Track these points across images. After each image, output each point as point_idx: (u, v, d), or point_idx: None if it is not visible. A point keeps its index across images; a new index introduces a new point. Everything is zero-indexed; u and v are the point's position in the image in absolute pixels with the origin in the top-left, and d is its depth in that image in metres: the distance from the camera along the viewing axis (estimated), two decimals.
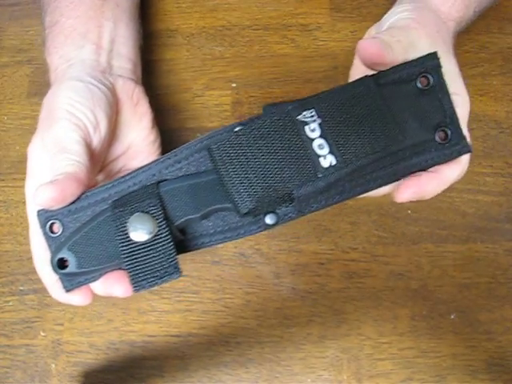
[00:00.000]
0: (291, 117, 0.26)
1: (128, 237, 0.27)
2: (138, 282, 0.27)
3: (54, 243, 0.29)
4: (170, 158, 0.29)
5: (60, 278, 0.29)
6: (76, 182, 0.30)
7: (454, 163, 0.30)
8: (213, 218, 0.29)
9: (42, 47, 0.50)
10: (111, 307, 0.40)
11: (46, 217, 0.29)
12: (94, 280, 0.29)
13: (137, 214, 0.27)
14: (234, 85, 0.46)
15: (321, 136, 0.26)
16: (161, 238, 0.27)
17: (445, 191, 0.42)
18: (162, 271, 0.27)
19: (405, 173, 0.29)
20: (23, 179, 0.44)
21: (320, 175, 0.26)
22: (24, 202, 0.43)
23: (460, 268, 0.40)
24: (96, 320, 0.39)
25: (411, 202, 0.41)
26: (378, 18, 0.49)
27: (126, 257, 0.27)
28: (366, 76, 0.28)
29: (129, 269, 0.27)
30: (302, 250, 0.41)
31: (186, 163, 0.28)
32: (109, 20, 0.38)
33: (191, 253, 0.41)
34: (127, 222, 0.27)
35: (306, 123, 0.26)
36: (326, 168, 0.26)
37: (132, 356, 0.39)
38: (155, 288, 0.40)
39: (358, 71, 0.34)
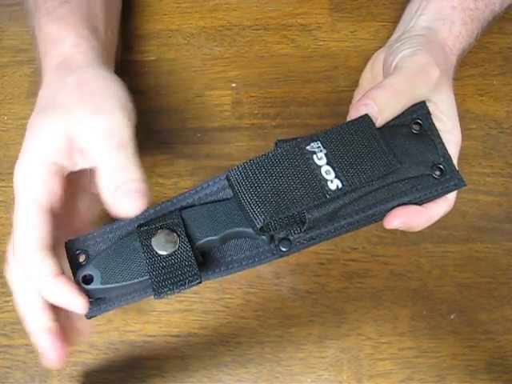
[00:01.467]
0: (301, 147, 0.29)
1: (153, 250, 0.29)
2: (160, 289, 0.28)
3: (79, 268, 0.30)
4: (190, 191, 0.31)
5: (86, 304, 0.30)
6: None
7: (442, 200, 0.32)
8: (231, 247, 0.31)
9: None
10: None
11: (76, 248, 0.31)
12: (114, 307, 0.31)
13: (161, 230, 0.29)
14: (233, 85, 0.46)
15: (327, 163, 0.29)
16: (183, 249, 0.29)
17: None
18: (183, 279, 0.29)
19: (403, 203, 0.32)
20: None
21: (328, 197, 0.28)
22: None
23: (460, 268, 0.40)
24: (96, 320, 0.39)
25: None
26: (377, 17, 0.49)
27: (151, 268, 0.28)
28: (366, 114, 0.31)
29: (152, 278, 0.28)
30: (302, 250, 0.41)
31: (204, 194, 0.31)
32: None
33: None
34: (152, 237, 0.29)
35: (314, 152, 0.29)
36: (334, 190, 0.29)
37: (132, 356, 0.38)
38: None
39: (361, 93, 0.35)
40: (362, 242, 0.41)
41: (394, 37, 0.42)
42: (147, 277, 0.28)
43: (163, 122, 0.46)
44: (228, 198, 0.31)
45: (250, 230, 0.30)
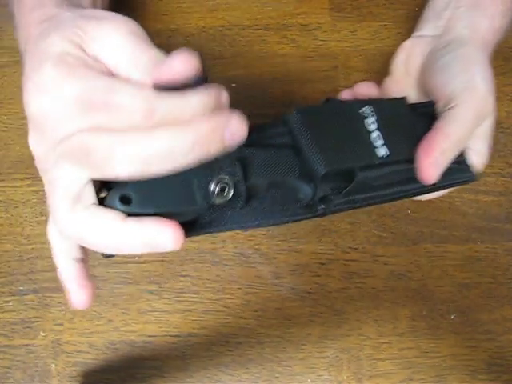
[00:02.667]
0: (354, 108, 0.29)
1: (208, 190, 0.26)
2: (199, 229, 0.27)
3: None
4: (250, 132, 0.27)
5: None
6: None
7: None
8: (268, 198, 0.29)
9: None
10: (111, 307, 0.40)
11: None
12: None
13: (218, 172, 0.26)
14: (233, 85, 0.46)
15: (377, 129, 0.29)
16: (237, 194, 0.27)
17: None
18: (226, 220, 0.28)
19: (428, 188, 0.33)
20: (23, 179, 0.44)
21: (376, 162, 0.29)
22: (24, 203, 0.43)
23: (460, 268, 0.40)
24: (96, 320, 0.39)
25: (411, 201, 0.42)
26: (377, 17, 0.49)
27: (199, 206, 0.26)
28: (405, 97, 0.32)
29: (200, 217, 0.27)
30: (302, 250, 0.41)
31: (263, 135, 0.29)
32: None
33: (191, 253, 0.41)
34: (209, 178, 0.26)
35: (366, 117, 0.29)
36: (381, 157, 0.29)
37: (132, 356, 0.38)
38: (155, 288, 0.40)
39: (394, 84, 0.36)
40: (362, 242, 0.41)
41: (427, 28, 0.39)
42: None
43: None
44: (282, 145, 0.29)
45: (298, 181, 0.28)
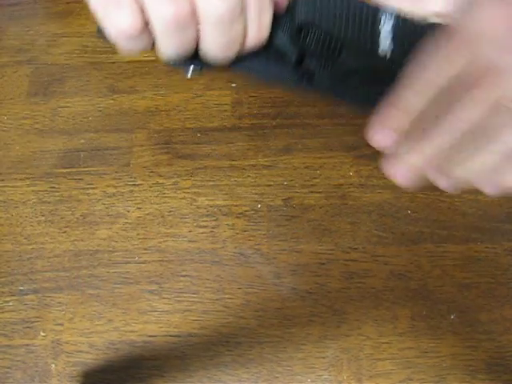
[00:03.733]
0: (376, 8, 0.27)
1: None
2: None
3: None
4: None
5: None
6: None
7: None
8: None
9: (42, 47, 0.50)
10: (111, 307, 0.40)
11: None
12: None
13: None
14: (233, 85, 0.46)
15: (391, 29, 0.27)
16: None
17: (445, 191, 0.42)
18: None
19: None
20: (23, 179, 0.44)
21: (380, 53, 0.27)
22: (23, 202, 0.43)
23: (460, 268, 0.40)
24: (96, 320, 0.39)
25: (412, 201, 0.42)
26: None
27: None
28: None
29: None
30: (302, 250, 0.41)
31: None
32: None
33: (191, 253, 0.41)
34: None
35: (384, 16, 0.27)
36: (381, 50, 0.27)
37: (132, 356, 0.38)
38: (155, 288, 0.40)
39: None
40: (362, 242, 0.41)
41: None
42: None
43: (163, 121, 0.46)
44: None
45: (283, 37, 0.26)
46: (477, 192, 0.44)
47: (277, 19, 0.26)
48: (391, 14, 0.28)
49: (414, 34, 0.28)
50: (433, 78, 0.24)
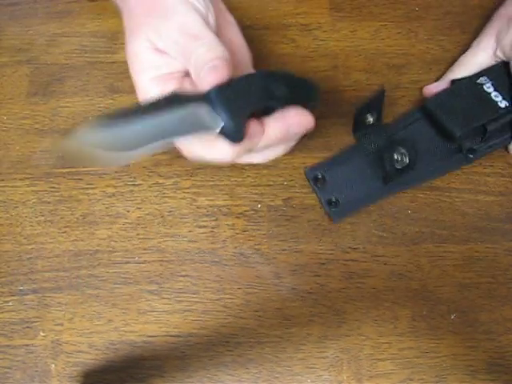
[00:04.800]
0: (473, 80, 0.42)
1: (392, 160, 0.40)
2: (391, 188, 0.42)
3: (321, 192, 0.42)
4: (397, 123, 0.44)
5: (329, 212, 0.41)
6: (229, 66, 0.31)
7: None
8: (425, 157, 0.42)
9: (41, 47, 0.50)
10: (111, 307, 0.40)
11: (313, 174, 0.42)
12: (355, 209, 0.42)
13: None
14: None
15: (495, 90, 0.41)
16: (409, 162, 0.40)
17: (445, 191, 0.42)
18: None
19: None
20: (23, 179, 0.44)
21: (501, 111, 0.40)
22: (23, 202, 0.43)
23: (460, 268, 0.40)
24: (96, 320, 0.39)
25: (412, 201, 0.42)
26: (377, 17, 0.49)
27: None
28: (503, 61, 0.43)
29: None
30: (302, 250, 0.41)
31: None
32: None
33: (191, 253, 0.41)
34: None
35: (483, 84, 0.42)
36: (503, 107, 0.41)
37: (132, 356, 0.38)
38: (155, 288, 0.40)
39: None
40: (362, 242, 0.41)
41: None
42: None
43: None
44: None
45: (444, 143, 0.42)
46: (477, 192, 0.44)
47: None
48: (486, 78, 0.42)
49: (505, 75, 0.41)
50: None
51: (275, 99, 0.34)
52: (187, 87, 0.34)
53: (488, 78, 0.42)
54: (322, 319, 0.39)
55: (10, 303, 0.40)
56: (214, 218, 0.42)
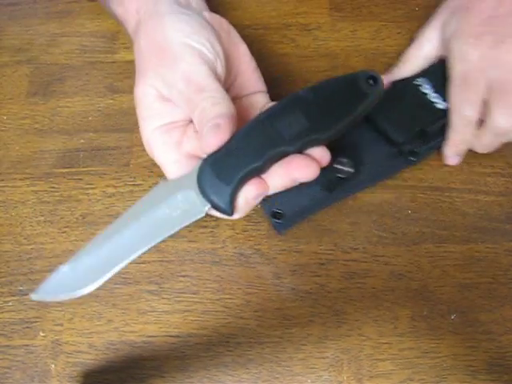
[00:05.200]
0: (411, 82, 0.42)
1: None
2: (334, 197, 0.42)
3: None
4: None
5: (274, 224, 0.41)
6: (233, 122, 0.30)
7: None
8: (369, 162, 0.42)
9: (41, 47, 0.50)
10: (111, 307, 0.40)
11: (271, 210, 0.41)
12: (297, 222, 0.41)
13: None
14: None
15: (434, 91, 0.41)
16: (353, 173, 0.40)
17: (445, 191, 0.42)
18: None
19: None
20: (22, 179, 0.44)
21: (440, 113, 0.40)
22: (23, 202, 0.43)
23: (460, 268, 0.40)
24: (95, 320, 0.39)
25: (412, 201, 0.42)
26: (378, 17, 0.49)
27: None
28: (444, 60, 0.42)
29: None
30: (302, 250, 0.41)
31: None
32: None
33: (191, 253, 0.41)
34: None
35: (421, 85, 0.41)
36: (442, 109, 0.40)
37: (132, 356, 0.38)
38: (155, 288, 0.40)
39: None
40: (362, 242, 0.41)
41: None
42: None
43: None
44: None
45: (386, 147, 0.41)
46: (477, 192, 0.44)
47: None
48: (424, 79, 0.41)
49: (444, 75, 0.40)
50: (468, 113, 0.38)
51: (288, 140, 0.31)
52: (191, 136, 0.34)
53: (427, 78, 0.41)
54: (322, 319, 0.39)
55: (10, 303, 0.40)
56: (213, 218, 0.42)
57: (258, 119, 0.32)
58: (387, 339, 0.38)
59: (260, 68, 0.45)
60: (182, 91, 0.31)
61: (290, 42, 0.48)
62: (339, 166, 0.38)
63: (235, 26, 0.50)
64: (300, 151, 0.32)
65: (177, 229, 0.31)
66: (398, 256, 0.40)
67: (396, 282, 0.40)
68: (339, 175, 0.38)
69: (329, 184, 0.40)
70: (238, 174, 0.31)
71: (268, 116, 0.32)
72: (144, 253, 0.31)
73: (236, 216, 0.33)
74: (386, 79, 0.42)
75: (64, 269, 0.31)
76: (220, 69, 0.33)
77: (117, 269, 0.31)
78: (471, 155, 0.43)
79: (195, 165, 0.32)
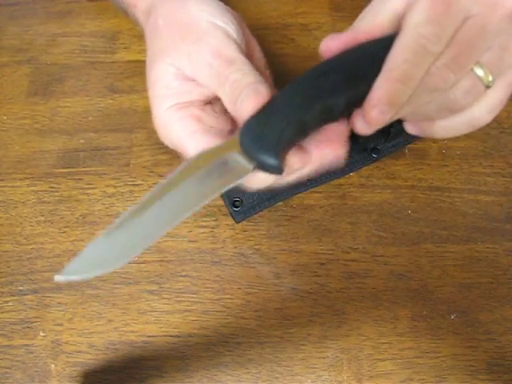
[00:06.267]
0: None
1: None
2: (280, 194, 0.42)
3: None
4: None
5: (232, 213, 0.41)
6: (268, 89, 0.29)
7: None
8: None
9: (41, 47, 0.50)
10: (111, 307, 0.40)
11: (231, 198, 0.41)
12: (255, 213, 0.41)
13: None
14: None
15: None
16: None
17: (445, 191, 0.42)
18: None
19: None
20: (22, 179, 0.44)
21: None
22: (23, 202, 0.43)
23: (460, 268, 0.40)
24: (96, 320, 0.39)
25: (412, 201, 0.42)
26: None
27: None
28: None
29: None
30: (302, 250, 0.41)
31: None
32: None
33: (191, 253, 0.41)
34: None
35: None
36: None
37: (132, 356, 0.38)
38: (155, 288, 0.40)
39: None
40: (362, 242, 0.41)
41: None
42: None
43: None
44: None
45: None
46: (477, 192, 0.44)
47: None
48: None
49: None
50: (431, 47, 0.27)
51: (332, 92, 0.30)
52: (210, 113, 0.33)
53: None
54: (321, 319, 0.39)
55: (10, 303, 0.40)
56: (213, 218, 0.42)
57: (297, 80, 0.31)
58: (387, 339, 0.38)
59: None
60: (211, 64, 0.31)
61: (290, 42, 0.48)
62: None
63: None
64: (344, 111, 0.30)
65: (221, 190, 0.29)
66: (398, 256, 0.40)
67: (396, 282, 0.40)
68: None
69: None
70: (284, 130, 0.29)
71: (307, 76, 0.31)
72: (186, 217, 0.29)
73: (285, 175, 0.30)
74: (342, 36, 0.32)
75: (98, 241, 0.29)
76: (243, 48, 0.33)
77: (161, 233, 0.29)
78: (471, 155, 0.43)
79: (216, 141, 0.31)
